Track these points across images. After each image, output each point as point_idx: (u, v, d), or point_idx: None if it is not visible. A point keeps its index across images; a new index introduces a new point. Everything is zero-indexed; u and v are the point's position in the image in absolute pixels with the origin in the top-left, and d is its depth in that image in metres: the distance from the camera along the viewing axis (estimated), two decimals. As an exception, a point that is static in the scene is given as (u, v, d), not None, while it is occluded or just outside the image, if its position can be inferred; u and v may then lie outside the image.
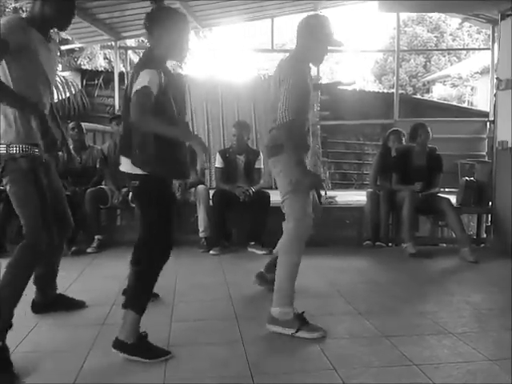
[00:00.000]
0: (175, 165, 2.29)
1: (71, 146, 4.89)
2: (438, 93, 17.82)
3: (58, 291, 2.91)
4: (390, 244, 4.85)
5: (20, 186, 2.32)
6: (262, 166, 4.84)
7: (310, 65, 2.82)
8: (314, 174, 2.87)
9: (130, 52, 8.70)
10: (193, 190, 4.71)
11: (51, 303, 2.84)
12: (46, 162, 2.46)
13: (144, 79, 2.13)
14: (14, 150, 2.30)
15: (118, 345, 2.22)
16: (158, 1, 2.38)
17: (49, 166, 2.56)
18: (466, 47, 20.33)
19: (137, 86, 2.13)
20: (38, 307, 2.81)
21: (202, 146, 2.16)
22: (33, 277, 2.51)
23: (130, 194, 3.99)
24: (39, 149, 2.37)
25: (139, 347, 2.21)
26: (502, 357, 2.20)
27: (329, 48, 2.81)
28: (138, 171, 2.22)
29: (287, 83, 2.56)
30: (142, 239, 2.42)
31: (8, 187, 2.34)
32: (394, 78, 7.57)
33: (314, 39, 2.69)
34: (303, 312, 2.57)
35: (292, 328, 2.49)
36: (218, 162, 4.91)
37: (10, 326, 2.20)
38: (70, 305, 2.92)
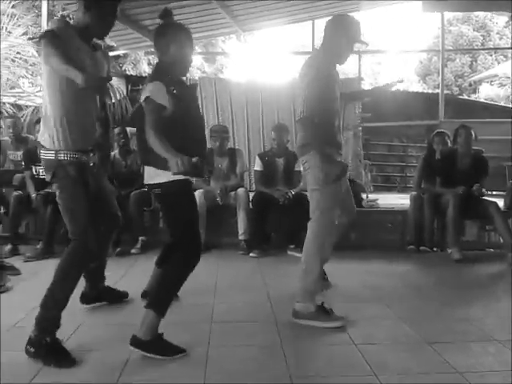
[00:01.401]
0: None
1: (117, 151, 5.07)
2: (485, 93, 17.27)
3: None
4: (434, 249, 4.73)
5: (68, 193, 2.37)
6: (302, 169, 4.83)
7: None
8: (340, 162, 2.84)
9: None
10: (233, 193, 4.77)
11: (99, 294, 2.98)
12: (94, 167, 2.49)
13: (147, 90, 2.25)
14: (62, 157, 2.33)
15: (135, 342, 2.26)
16: (166, 17, 2.45)
17: (98, 170, 2.56)
18: (514, 45, 19.60)
19: (141, 98, 2.26)
20: (87, 299, 2.94)
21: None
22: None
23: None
24: (87, 155, 2.42)
25: (156, 344, 2.25)
26: (552, 367, 2.11)
27: (359, 49, 2.88)
28: (158, 180, 2.30)
29: (307, 82, 2.66)
30: (172, 244, 2.49)
31: (57, 193, 2.40)
32: (439, 78, 7.39)
33: (340, 39, 2.75)
34: (323, 303, 2.69)
35: (316, 320, 2.61)
36: (257, 165, 4.94)
37: (58, 326, 2.27)
38: (115, 296, 3.05)
